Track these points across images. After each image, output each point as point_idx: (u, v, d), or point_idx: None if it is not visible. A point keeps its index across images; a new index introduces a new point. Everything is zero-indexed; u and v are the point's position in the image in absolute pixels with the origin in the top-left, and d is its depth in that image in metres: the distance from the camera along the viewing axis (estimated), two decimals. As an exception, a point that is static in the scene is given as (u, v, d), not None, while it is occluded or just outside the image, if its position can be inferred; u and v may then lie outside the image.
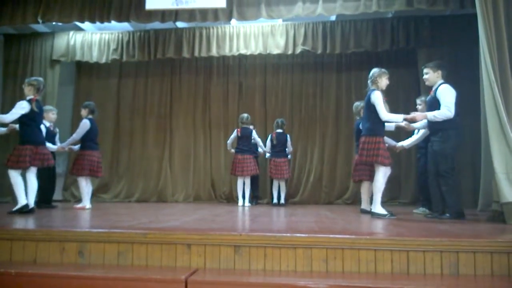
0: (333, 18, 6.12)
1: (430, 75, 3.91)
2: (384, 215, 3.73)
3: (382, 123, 3.80)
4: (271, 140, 5.99)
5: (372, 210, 3.83)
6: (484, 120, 4.09)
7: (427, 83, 3.96)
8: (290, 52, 6.38)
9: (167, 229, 2.70)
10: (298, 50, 6.32)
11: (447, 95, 3.70)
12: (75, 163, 4.90)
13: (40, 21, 5.38)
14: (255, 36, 6.41)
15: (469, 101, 5.64)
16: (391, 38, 6.14)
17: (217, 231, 2.56)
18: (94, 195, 6.88)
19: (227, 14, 5.13)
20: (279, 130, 5.99)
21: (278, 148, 5.95)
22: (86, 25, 6.33)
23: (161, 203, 6.66)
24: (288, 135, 6.09)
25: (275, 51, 6.39)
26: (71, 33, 6.83)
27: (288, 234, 2.39)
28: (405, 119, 3.84)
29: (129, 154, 7.33)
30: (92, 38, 6.83)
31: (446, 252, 2.23)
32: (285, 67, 7.19)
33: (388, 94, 6.67)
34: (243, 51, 6.45)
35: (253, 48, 6.41)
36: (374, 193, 3.81)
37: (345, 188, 6.71)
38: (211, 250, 2.36)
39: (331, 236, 2.40)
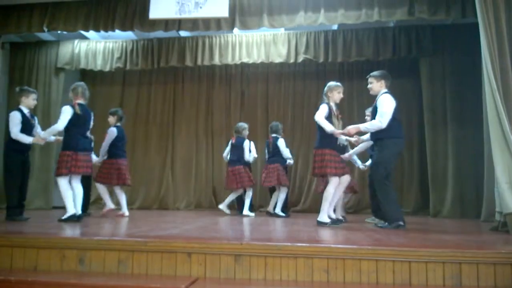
0: (335, 27, 6.16)
1: (374, 85, 3.91)
2: (326, 223, 3.76)
3: (329, 136, 3.80)
4: (267, 146, 5.63)
5: (317, 219, 3.83)
6: (486, 128, 4.07)
7: (371, 92, 3.97)
8: (292, 60, 6.41)
9: (168, 237, 2.69)
10: (300, 58, 6.35)
11: (383, 105, 3.69)
12: (101, 171, 4.81)
13: (46, 29, 5.46)
14: (257, 45, 6.46)
15: (471, 109, 5.65)
16: (392, 47, 6.16)
17: (218, 240, 2.55)
18: (96, 203, 6.92)
19: (229, 23, 5.17)
20: (273, 135, 5.58)
21: (271, 154, 5.54)
22: (91, 33, 6.41)
23: (163, 211, 6.66)
24: (279, 139, 5.48)
25: (277, 59, 6.43)
26: (76, 41, 6.90)
27: (289, 244, 2.37)
28: (342, 134, 3.87)
29: (131, 161, 7.31)
30: (97, 47, 6.90)
31: (449, 263, 2.21)
32: (287, 76, 7.22)
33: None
34: (245, 59, 6.49)
35: (255, 56, 6.45)
36: (323, 201, 3.82)
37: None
38: (212, 259, 2.35)
39: (333, 245, 2.38)
